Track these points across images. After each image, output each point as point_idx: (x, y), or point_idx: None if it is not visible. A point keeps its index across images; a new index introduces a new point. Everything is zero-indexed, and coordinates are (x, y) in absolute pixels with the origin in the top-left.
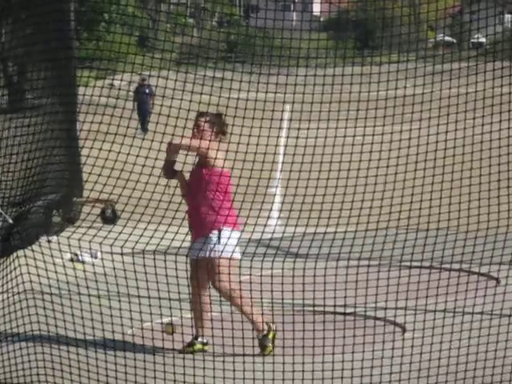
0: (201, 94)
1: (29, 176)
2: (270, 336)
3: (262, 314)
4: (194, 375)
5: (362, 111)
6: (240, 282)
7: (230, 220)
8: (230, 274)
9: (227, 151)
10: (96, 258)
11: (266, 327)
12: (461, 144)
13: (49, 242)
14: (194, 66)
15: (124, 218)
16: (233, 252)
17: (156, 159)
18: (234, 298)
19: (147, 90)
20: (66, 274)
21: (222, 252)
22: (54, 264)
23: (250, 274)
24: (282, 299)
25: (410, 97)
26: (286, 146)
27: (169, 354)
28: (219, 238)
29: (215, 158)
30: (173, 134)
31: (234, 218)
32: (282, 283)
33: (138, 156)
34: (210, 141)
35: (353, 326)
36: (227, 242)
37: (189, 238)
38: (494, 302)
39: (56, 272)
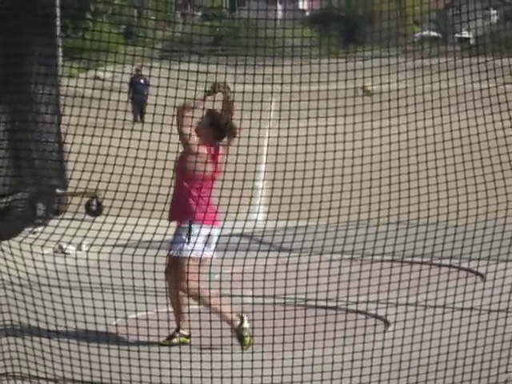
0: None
1: (12, 167)
2: (245, 325)
3: (232, 304)
4: (181, 369)
5: (347, 106)
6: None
7: (204, 216)
8: (196, 273)
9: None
10: (81, 250)
11: (237, 318)
12: (441, 138)
13: (33, 233)
14: (183, 58)
15: (113, 214)
16: (202, 251)
17: (147, 149)
18: (202, 297)
19: (142, 81)
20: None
21: (190, 251)
22: (43, 254)
23: (232, 266)
24: (263, 293)
25: (394, 92)
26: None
27: (153, 347)
28: (188, 235)
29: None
30: (162, 123)
31: (209, 214)
32: (264, 277)
33: (129, 147)
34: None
35: (334, 320)
36: (196, 240)
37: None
38: (473, 299)
39: (44, 262)
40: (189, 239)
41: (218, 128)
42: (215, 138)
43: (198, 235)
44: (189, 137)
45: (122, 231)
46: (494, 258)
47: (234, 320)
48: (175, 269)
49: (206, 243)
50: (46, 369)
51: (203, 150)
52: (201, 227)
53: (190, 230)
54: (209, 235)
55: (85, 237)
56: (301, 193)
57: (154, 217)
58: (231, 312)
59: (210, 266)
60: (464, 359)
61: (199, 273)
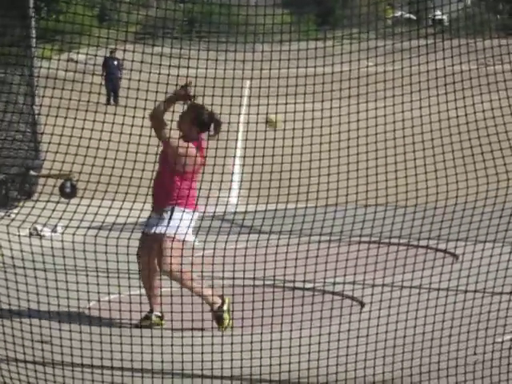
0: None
1: None
2: (225, 307)
3: (213, 287)
4: (152, 353)
5: (322, 88)
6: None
7: (185, 200)
8: (179, 256)
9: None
10: (56, 232)
11: (219, 300)
12: (418, 121)
13: (8, 215)
14: (156, 41)
15: (87, 196)
16: (185, 234)
17: (121, 133)
18: (183, 280)
19: (115, 62)
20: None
21: (172, 233)
22: (19, 236)
23: (214, 249)
24: (244, 275)
25: (373, 75)
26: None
27: (125, 329)
28: (170, 218)
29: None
30: (135, 107)
31: (190, 198)
32: (245, 259)
33: (102, 131)
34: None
35: (311, 301)
36: (179, 224)
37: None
38: (450, 279)
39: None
40: (169, 223)
41: (201, 121)
42: (199, 131)
43: (181, 219)
44: (168, 136)
45: (96, 213)
46: (471, 239)
47: (214, 302)
48: (150, 250)
49: (188, 227)
50: (21, 350)
51: (186, 144)
52: (183, 211)
53: (171, 212)
54: (191, 219)
55: (60, 219)
56: (279, 176)
57: (128, 199)
58: (212, 294)
59: (193, 249)
60: (440, 339)
61: (182, 256)
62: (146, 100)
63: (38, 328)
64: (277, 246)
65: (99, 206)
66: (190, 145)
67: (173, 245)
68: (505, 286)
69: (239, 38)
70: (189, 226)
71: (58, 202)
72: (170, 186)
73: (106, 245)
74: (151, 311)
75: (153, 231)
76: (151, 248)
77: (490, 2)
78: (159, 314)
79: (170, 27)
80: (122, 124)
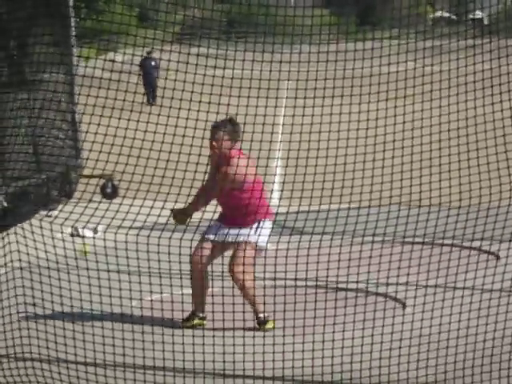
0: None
1: (27, 151)
2: (269, 325)
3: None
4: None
5: (362, 88)
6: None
7: (264, 211)
8: (252, 265)
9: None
10: (97, 233)
11: (266, 315)
12: (457, 120)
13: (48, 216)
14: (195, 42)
15: (129, 196)
16: (266, 242)
17: (164, 133)
18: (247, 288)
19: (153, 63)
20: (66, 248)
21: (253, 242)
22: (54, 238)
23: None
24: (285, 276)
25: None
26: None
27: (168, 329)
28: (257, 228)
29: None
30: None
31: (266, 207)
32: (286, 260)
33: (142, 130)
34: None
35: (354, 302)
36: (260, 233)
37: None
38: (494, 277)
39: (57, 247)
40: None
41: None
42: (234, 142)
43: (263, 228)
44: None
45: (138, 213)
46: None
47: (260, 311)
48: (207, 254)
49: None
50: (63, 351)
51: (237, 161)
52: (264, 222)
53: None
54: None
55: (101, 219)
56: (323, 177)
57: (169, 200)
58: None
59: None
60: (484, 342)
61: (254, 265)
62: (180, 100)
63: (91, 328)
64: (319, 247)
65: (141, 206)
66: (241, 160)
67: (250, 253)
68: None
69: (277, 39)
70: (269, 235)
71: (99, 202)
72: (242, 204)
73: (148, 243)
74: (194, 312)
75: (231, 240)
76: (208, 253)
77: None
78: (203, 316)
79: (209, 28)
80: (166, 125)
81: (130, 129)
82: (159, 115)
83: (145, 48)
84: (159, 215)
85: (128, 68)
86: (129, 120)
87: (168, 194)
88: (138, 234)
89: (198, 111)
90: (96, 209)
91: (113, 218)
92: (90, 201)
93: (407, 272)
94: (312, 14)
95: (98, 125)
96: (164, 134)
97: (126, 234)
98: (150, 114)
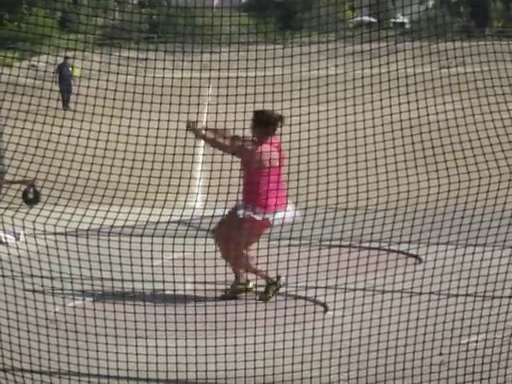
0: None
1: None
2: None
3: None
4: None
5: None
6: None
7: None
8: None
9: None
10: (18, 239)
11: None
12: (380, 123)
13: None
14: (116, 47)
15: (52, 202)
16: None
17: (78, 137)
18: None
19: (70, 69)
20: None
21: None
22: None
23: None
24: (205, 280)
25: (332, 77)
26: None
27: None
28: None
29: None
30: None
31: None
32: (205, 264)
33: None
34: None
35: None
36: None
37: (109, 218)
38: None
39: None
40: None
41: (269, 124)
42: (268, 134)
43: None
44: (242, 148)
45: (59, 219)
46: (433, 242)
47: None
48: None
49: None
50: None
51: (262, 148)
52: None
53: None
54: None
55: (23, 225)
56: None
57: (93, 202)
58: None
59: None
60: (405, 338)
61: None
62: (94, 106)
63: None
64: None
65: (62, 212)
66: (262, 145)
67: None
68: (469, 287)
69: (198, 41)
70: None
71: (19, 208)
72: (260, 188)
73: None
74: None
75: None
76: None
77: (451, 4)
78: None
79: (131, 31)
80: (80, 129)
81: (45, 132)
82: (82, 121)
83: (66, 52)
84: (80, 221)
85: (41, 75)
86: (51, 125)
87: (92, 196)
88: (56, 240)
89: (121, 117)
90: (16, 212)
91: (34, 222)
92: (7, 208)
93: (327, 276)
94: (230, 14)
95: (22, 128)
96: (87, 138)
97: (45, 239)
98: (73, 120)
